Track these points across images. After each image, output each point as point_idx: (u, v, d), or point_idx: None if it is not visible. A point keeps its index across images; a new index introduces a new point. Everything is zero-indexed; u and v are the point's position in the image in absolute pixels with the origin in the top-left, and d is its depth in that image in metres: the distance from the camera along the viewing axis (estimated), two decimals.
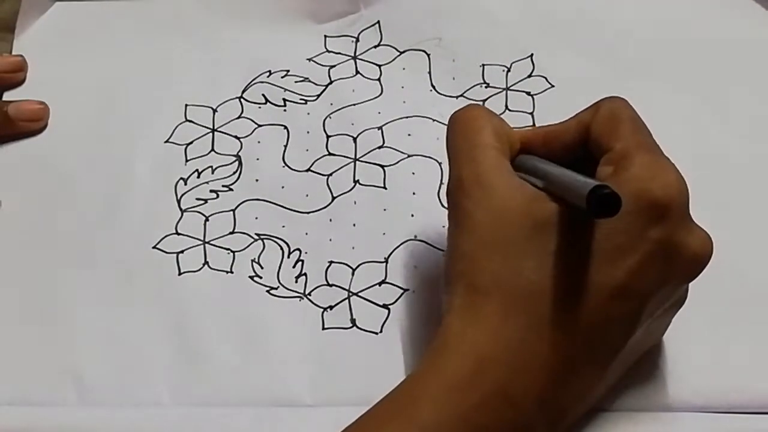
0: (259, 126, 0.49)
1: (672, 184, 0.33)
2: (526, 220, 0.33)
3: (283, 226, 0.45)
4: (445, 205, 0.44)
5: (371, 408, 0.34)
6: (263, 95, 0.50)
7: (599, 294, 0.33)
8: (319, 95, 0.49)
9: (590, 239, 0.33)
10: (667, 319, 0.37)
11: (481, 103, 0.48)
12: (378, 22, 0.51)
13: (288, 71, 0.50)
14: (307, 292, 0.43)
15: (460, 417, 0.32)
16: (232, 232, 0.45)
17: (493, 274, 0.33)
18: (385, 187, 0.46)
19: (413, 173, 0.46)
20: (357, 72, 0.50)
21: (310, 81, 0.50)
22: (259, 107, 0.49)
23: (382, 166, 0.46)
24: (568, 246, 0.33)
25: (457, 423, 0.32)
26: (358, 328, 0.42)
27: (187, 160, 0.48)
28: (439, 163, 0.46)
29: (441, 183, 0.45)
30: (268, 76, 0.50)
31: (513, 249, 0.33)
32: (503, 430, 0.33)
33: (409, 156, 0.47)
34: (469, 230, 0.35)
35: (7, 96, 0.50)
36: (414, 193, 0.45)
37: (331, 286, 0.43)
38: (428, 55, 0.50)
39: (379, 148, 0.47)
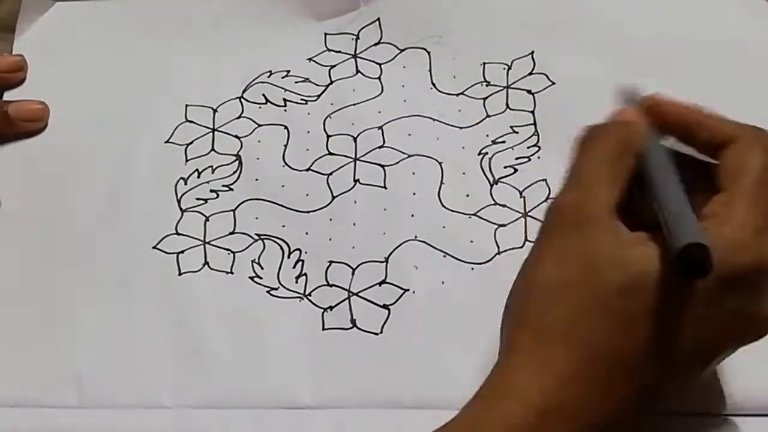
0: (260, 126, 0.49)
1: (765, 253, 0.31)
2: (614, 269, 0.31)
3: (283, 226, 0.45)
4: (446, 204, 0.45)
5: None
6: (263, 95, 0.49)
7: (669, 356, 0.32)
8: (319, 95, 0.49)
9: (675, 303, 0.31)
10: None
11: (481, 101, 0.48)
12: (378, 19, 0.51)
13: (288, 71, 0.50)
14: (307, 293, 0.43)
15: None
16: (233, 233, 0.45)
17: (569, 322, 0.32)
18: (385, 187, 0.45)
19: (413, 173, 0.46)
20: (357, 71, 0.50)
21: (310, 81, 0.50)
22: (260, 107, 0.49)
23: (383, 166, 0.46)
24: (650, 307, 0.31)
25: None
26: (358, 328, 0.42)
27: (187, 160, 0.48)
28: (440, 163, 0.46)
29: (441, 183, 0.45)
30: (268, 77, 0.50)
31: (594, 297, 0.32)
32: None
33: (409, 156, 0.46)
34: (552, 265, 0.33)
35: (8, 96, 0.50)
36: (414, 193, 0.45)
37: (331, 286, 0.43)
38: (428, 53, 0.50)
39: (380, 147, 0.47)
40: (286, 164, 0.47)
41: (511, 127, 0.47)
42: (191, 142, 0.48)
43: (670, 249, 0.30)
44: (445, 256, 0.43)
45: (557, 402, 0.31)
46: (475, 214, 0.44)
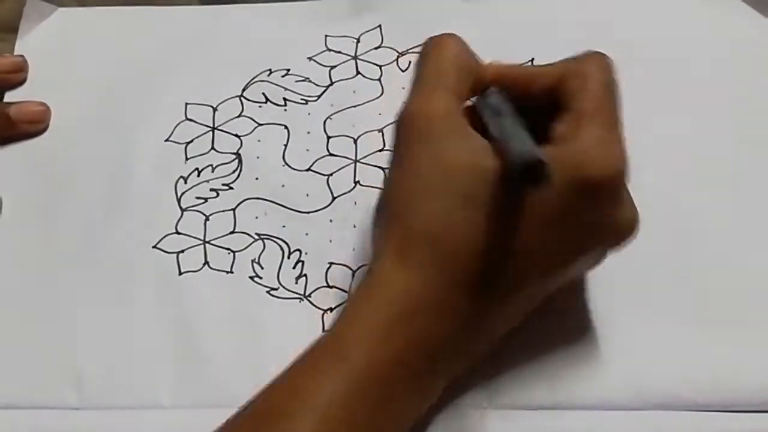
0: (260, 125, 0.49)
1: (613, 165, 0.34)
2: (468, 175, 0.34)
3: (284, 226, 0.45)
4: None
5: (304, 352, 0.35)
6: (263, 94, 0.49)
7: (524, 260, 0.34)
8: (319, 96, 0.49)
9: (525, 205, 0.33)
10: (582, 275, 0.40)
11: None
12: (380, 26, 0.51)
13: (288, 70, 0.50)
14: (307, 294, 0.43)
15: (389, 359, 0.33)
16: (233, 232, 0.45)
17: (429, 223, 0.34)
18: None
19: None
20: (357, 72, 0.50)
21: (310, 81, 0.50)
22: (260, 106, 0.49)
23: (383, 168, 0.46)
24: (502, 207, 0.33)
25: (387, 364, 0.33)
26: None
27: (187, 159, 0.48)
28: None
29: None
30: (268, 75, 0.50)
31: (451, 200, 0.34)
32: (427, 369, 0.35)
33: None
34: (412, 172, 0.35)
35: (9, 97, 0.50)
36: None
37: (331, 287, 0.43)
38: None
39: (380, 151, 0.47)
40: (287, 164, 0.47)
41: None
42: (191, 141, 0.48)
43: (507, 163, 0.32)
44: None
45: (421, 301, 0.34)
46: None
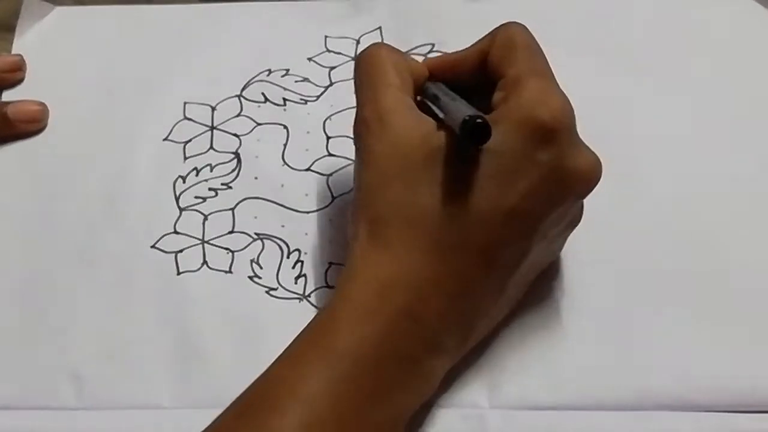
0: (259, 124, 0.48)
1: (558, 107, 0.35)
2: (421, 150, 0.35)
3: (283, 226, 0.45)
4: None
5: (293, 342, 0.35)
6: (263, 94, 0.49)
7: (492, 216, 0.35)
8: (319, 96, 0.49)
9: (481, 165, 0.34)
10: (562, 238, 0.40)
11: None
12: (379, 28, 0.51)
13: (288, 70, 0.50)
14: (306, 294, 0.43)
15: (373, 340, 0.34)
16: (231, 232, 0.45)
17: (393, 203, 0.35)
18: None
19: None
20: None
21: (310, 81, 0.50)
22: (259, 106, 0.49)
23: None
24: (460, 172, 0.35)
25: (371, 346, 0.34)
26: None
27: (185, 158, 0.47)
28: None
29: None
30: (267, 75, 0.50)
31: (410, 178, 0.35)
32: (415, 349, 0.35)
33: None
34: (371, 164, 0.36)
35: (6, 95, 0.50)
36: None
37: (330, 287, 0.43)
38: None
39: None
40: (286, 163, 0.47)
41: None
42: (190, 140, 0.48)
43: (454, 130, 0.34)
44: None
45: (397, 278, 0.35)
46: None
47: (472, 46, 0.39)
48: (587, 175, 0.36)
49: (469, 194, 0.34)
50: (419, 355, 0.35)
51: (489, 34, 0.39)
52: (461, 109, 0.34)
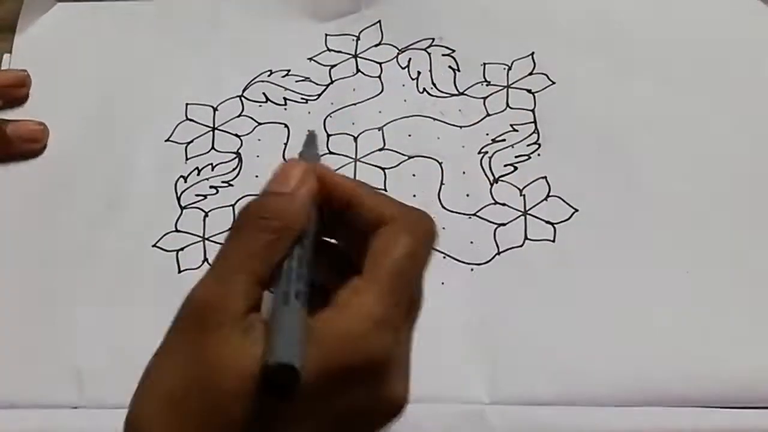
0: (260, 124, 0.49)
1: (373, 350, 0.28)
2: (226, 380, 0.28)
3: None
4: (446, 205, 0.45)
5: None
6: (264, 94, 0.50)
7: None
8: (319, 95, 0.49)
9: (280, 407, 0.28)
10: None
11: (481, 100, 0.48)
12: (379, 21, 0.51)
13: (289, 71, 0.50)
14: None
15: None
16: None
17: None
18: (385, 189, 0.45)
19: (414, 175, 0.46)
20: (358, 70, 0.50)
21: (310, 81, 0.50)
22: (260, 106, 0.49)
23: (383, 169, 0.46)
24: (259, 413, 0.27)
25: None
26: None
27: (187, 159, 0.48)
28: (440, 164, 0.46)
29: (441, 183, 0.45)
30: (268, 76, 0.50)
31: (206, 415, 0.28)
32: None
33: (409, 158, 0.46)
34: (169, 370, 0.30)
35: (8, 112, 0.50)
36: (414, 195, 0.45)
37: None
38: (429, 54, 0.50)
39: (380, 150, 0.47)
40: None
41: (511, 125, 0.47)
42: (191, 141, 0.48)
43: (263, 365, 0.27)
44: (444, 257, 0.43)
45: None
46: (475, 214, 0.45)
47: (385, 201, 0.32)
48: (391, 412, 0.30)
49: None
50: None
51: (403, 207, 0.32)
52: (286, 340, 0.27)
